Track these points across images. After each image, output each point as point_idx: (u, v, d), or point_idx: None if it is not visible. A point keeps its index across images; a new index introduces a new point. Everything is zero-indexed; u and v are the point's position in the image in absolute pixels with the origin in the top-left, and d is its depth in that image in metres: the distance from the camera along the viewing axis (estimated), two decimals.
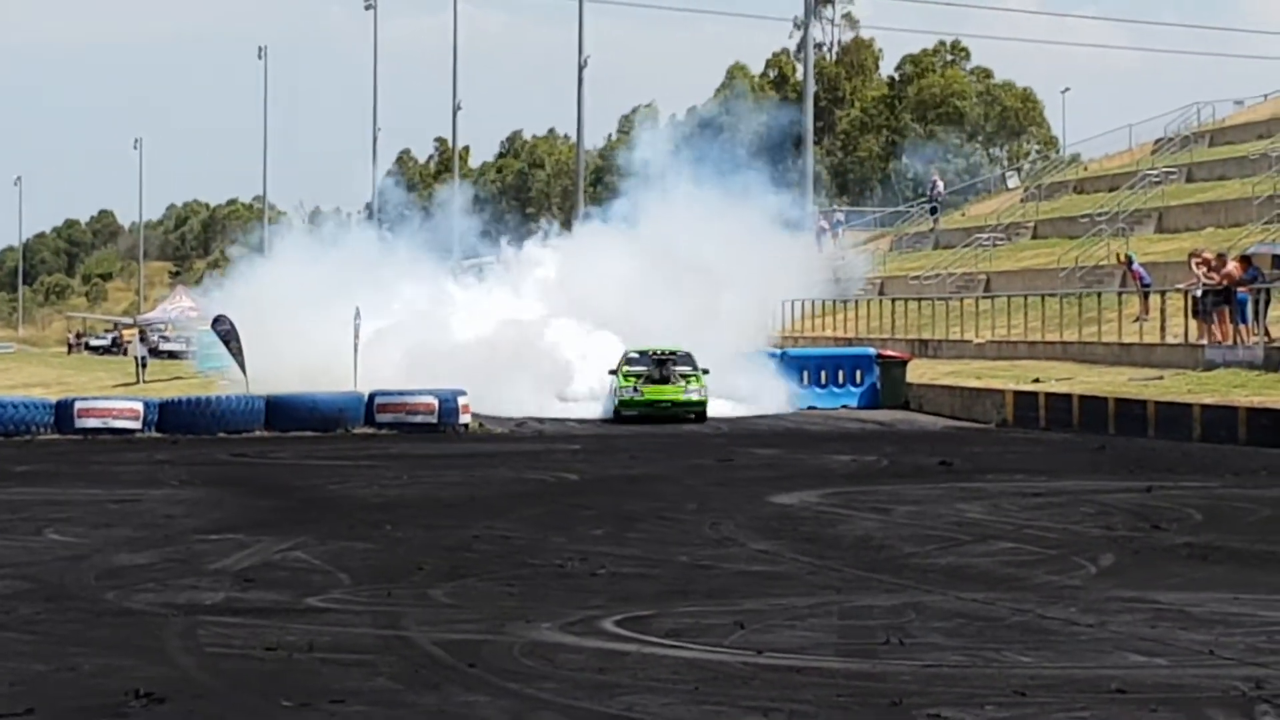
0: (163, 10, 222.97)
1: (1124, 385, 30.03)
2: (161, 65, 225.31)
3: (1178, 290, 33.45)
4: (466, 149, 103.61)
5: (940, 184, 60.58)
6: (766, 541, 14.77)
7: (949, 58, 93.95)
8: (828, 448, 25.56)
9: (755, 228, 40.45)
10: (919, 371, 36.40)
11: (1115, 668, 9.34)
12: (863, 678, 9.11)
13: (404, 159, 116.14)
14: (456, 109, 75.16)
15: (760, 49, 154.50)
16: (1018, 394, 31.07)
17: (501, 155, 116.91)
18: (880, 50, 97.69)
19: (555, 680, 9.07)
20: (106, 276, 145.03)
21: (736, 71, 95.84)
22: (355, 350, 33.56)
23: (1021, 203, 58.08)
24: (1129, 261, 37.10)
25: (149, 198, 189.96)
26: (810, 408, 35.13)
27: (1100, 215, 47.25)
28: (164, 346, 65.33)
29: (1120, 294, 36.90)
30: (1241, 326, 30.66)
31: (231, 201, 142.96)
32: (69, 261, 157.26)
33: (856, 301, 46.23)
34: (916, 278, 48.80)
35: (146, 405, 30.12)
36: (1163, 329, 33.55)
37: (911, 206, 64.19)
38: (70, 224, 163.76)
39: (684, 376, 32.50)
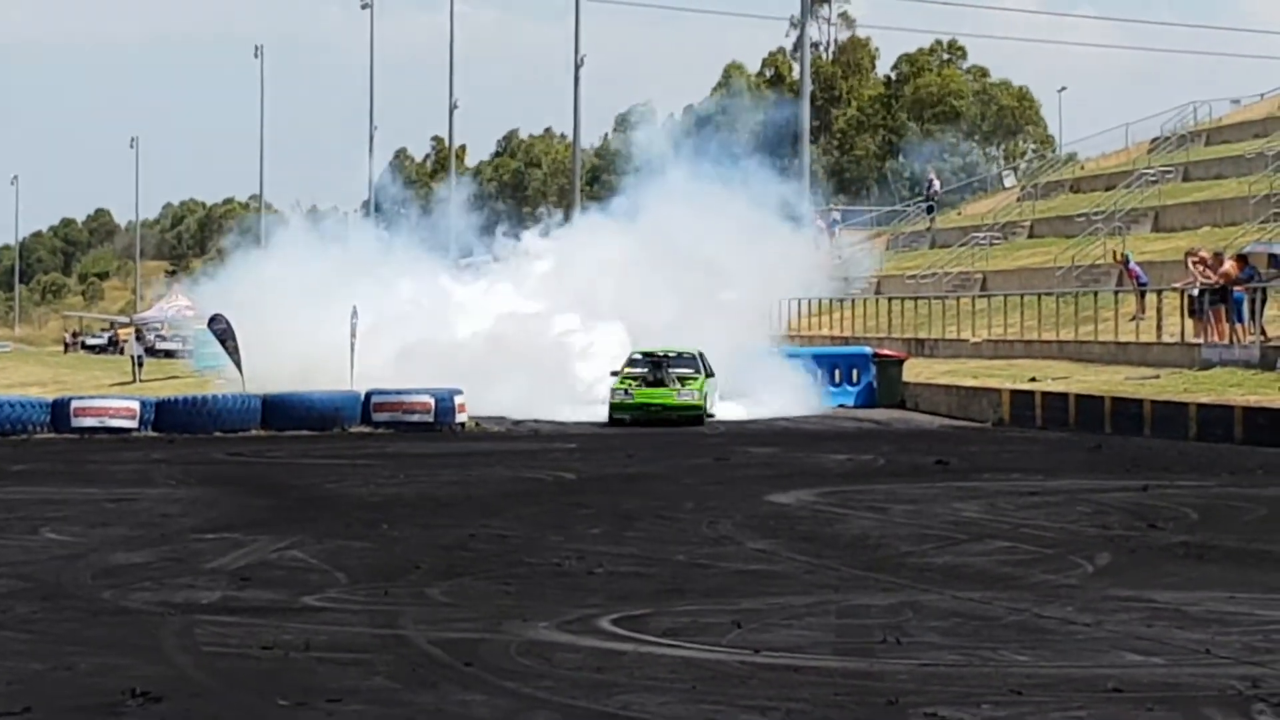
0: (160, 9, 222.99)
1: (1120, 384, 30.05)
2: (158, 64, 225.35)
3: (1174, 289, 33.48)
4: (463, 148, 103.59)
5: (937, 183, 60.59)
6: (763, 540, 14.77)
7: (945, 57, 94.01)
8: (824, 447, 25.57)
9: (757, 223, 39.99)
10: (915, 371, 36.41)
11: (1112, 667, 9.35)
12: (860, 676, 9.11)
13: (401, 158, 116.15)
14: (453, 108, 75.13)
15: (757, 48, 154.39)
16: (1014, 393, 31.08)
17: (498, 154, 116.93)
18: (877, 49, 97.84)
19: (552, 679, 9.07)
20: (103, 275, 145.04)
21: (733, 70, 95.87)
22: (352, 349, 33.54)
23: (1018, 202, 58.09)
24: (1125, 261, 37.12)
25: (146, 197, 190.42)
26: (841, 406, 35.00)
27: (1097, 214, 47.27)
28: (160, 345, 65.30)
29: (1117, 293, 36.93)
30: (1238, 325, 30.69)
31: (228, 201, 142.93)
32: (65, 260, 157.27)
33: (853, 300, 46.22)
34: (913, 277, 48.80)
35: (143, 404, 30.11)
36: (1159, 328, 33.57)
37: (908, 205, 64.19)
38: (67, 223, 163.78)
39: (682, 379, 32.11)
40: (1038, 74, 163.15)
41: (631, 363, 32.94)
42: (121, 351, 68.35)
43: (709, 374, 33.00)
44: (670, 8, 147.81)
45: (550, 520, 16.29)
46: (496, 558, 13.77)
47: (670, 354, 32.97)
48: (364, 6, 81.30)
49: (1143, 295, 35.29)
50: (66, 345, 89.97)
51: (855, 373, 36.14)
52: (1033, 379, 32.36)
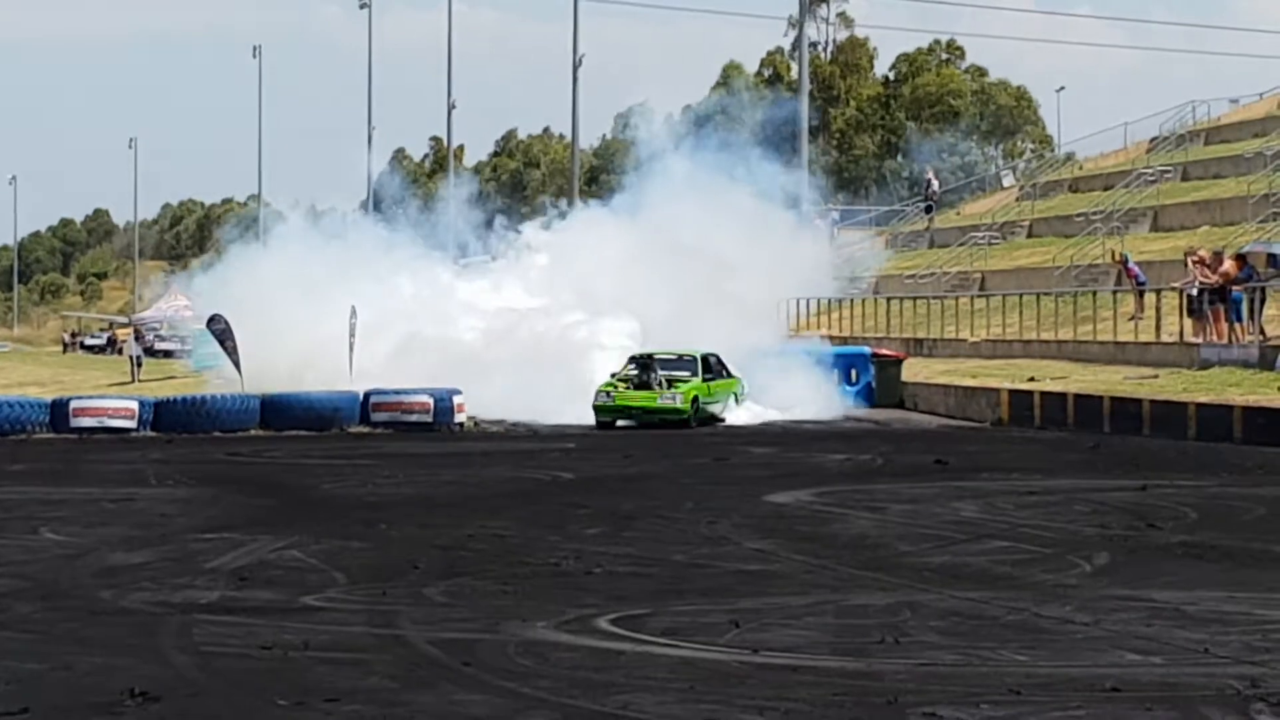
0: (158, 9, 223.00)
1: (1119, 384, 30.05)
2: (157, 64, 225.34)
3: (1173, 289, 33.48)
4: (461, 148, 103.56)
5: (935, 182, 60.55)
6: (762, 540, 14.77)
7: (944, 57, 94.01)
8: (823, 446, 25.57)
9: (762, 219, 39.50)
10: (914, 370, 36.39)
11: (1110, 666, 9.35)
12: (858, 676, 9.11)
13: (399, 158, 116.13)
14: (451, 108, 75.08)
15: (755, 48, 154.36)
16: (1013, 393, 31.08)
17: (496, 154, 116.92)
18: (875, 49, 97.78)
19: (550, 679, 9.07)
20: (102, 275, 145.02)
21: (732, 70, 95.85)
22: (351, 349, 33.53)
23: (1017, 202, 58.07)
24: (1124, 260, 37.12)
25: (144, 197, 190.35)
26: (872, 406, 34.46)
27: (1095, 214, 47.26)
28: (159, 346, 65.28)
29: (1115, 293, 36.92)
30: (1236, 325, 30.69)
31: (226, 200, 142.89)
32: (64, 261, 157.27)
33: (852, 300, 46.20)
34: (912, 276, 48.78)
35: (142, 404, 30.11)
36: (1158, 328, 33.57)
37: (907, 205, 64.18)
38: (65, 223, 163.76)
39: (671, 382, 31.29)
40: (1036, 74, 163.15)
41: (629, 364, 32.54)
42: (120, 352, 68.33)
43: (723, 376, 32.46)
44: (668, 7, 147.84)
45: (549, 520, 16.29)
46: (495, 558, 13.77)
47: (671, 356, 32.41)
48: (362, 6, 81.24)
49: (1141, 295, 35.28)
50: (65, 345, 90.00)
51: (854, 373, 36.08)
52: (1031, 379, 32.36)
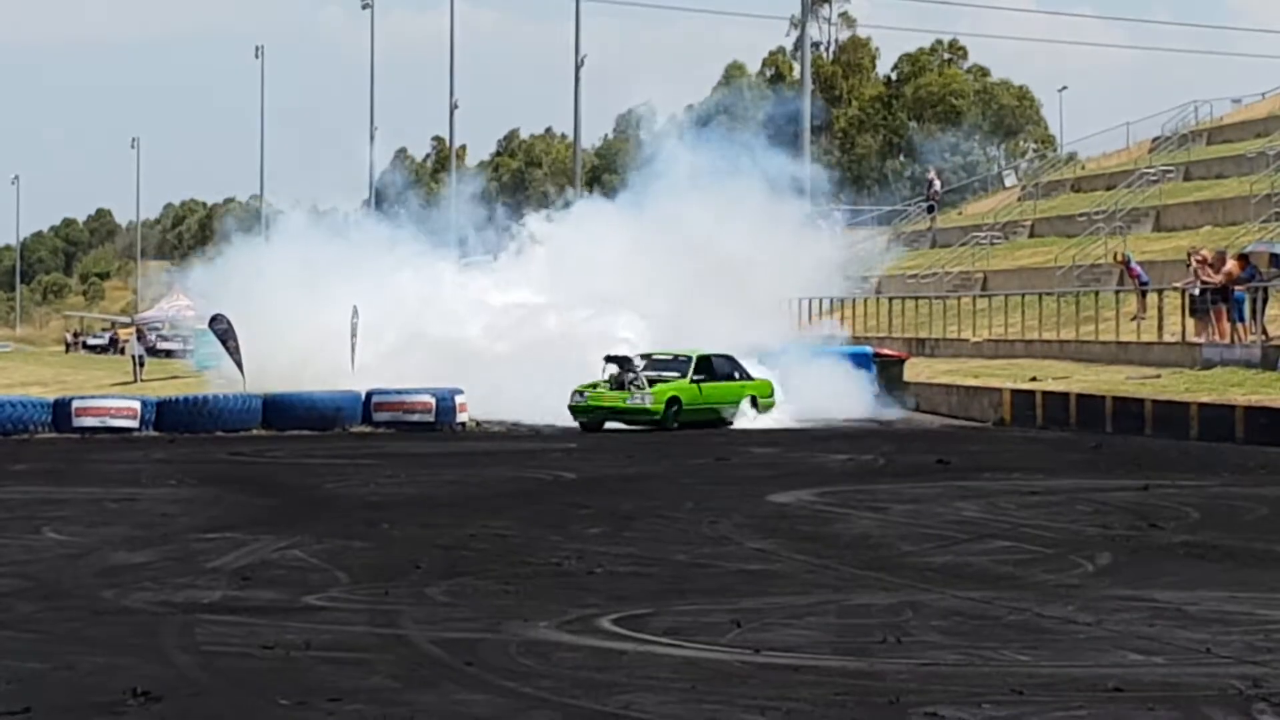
0: (160, 9, 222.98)
1: (1121, 384, 30.05)
2: (159, 64, 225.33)
3: (1175, 289, 33.48)
4: (463, 148, 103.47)
5: (937, 182, 60.53)
6: (764, 540, 14.77)
7: (946, 56, 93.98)
8: (825, 446, 25.56)
9: (769, 214, 39.12)
10: (916, 370, 36.37)
11: (1113, 666, 9.34)
12: (860, 676, 9.11)
13: (401, 157, 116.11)
14: (453, 108, 75.05)
15: (757, 49, 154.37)
16: (1015, 392, 31.08)
17: (498, 154, 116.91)
18: (877, 49, 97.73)
19: (552, 679, 9.07)
20: (104, 275, 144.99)
21: (734, 70, 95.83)
22: (353, 348, 33.53)
23: (1019, 201, 58.07)
24: (1126, 260, 37.11)
25: (146, 197, 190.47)
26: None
27: (1098, 214, 47.25)
28: (161, 345, 65.31)
29: (1118, 293, 36.92)
30: (1239, 325, 30.68)
31: (229, 200, 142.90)
32: (66, 260, 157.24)
33: (854, 300, 46.17)
34: (914, 276, 48.77)
35: (144, 404, 30.13)
36: (1160, 328, 33.57)
37: (909, 205, 64.16)
38: (68, 223, 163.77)
39: (656, 381, 30.51)
40: (1038, 73, 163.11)
41: (606, 362, 31.30)
42: (122, 351, 68.32)
43: (733, 378, 31.46)
44: (670, 7, 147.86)
45: (551, 520, 16.29)
46: (497, 557, 13.77)
47: (667, 356, 31.78)
48: (364, 6, 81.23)
49: (1144, 295, 35.29)
50: (68, 345, 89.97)
51: None
52: (1033, 378, 32.36)
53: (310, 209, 43.80)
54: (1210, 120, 58.43)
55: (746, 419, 31.25)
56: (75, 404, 29.92)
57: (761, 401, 31.90)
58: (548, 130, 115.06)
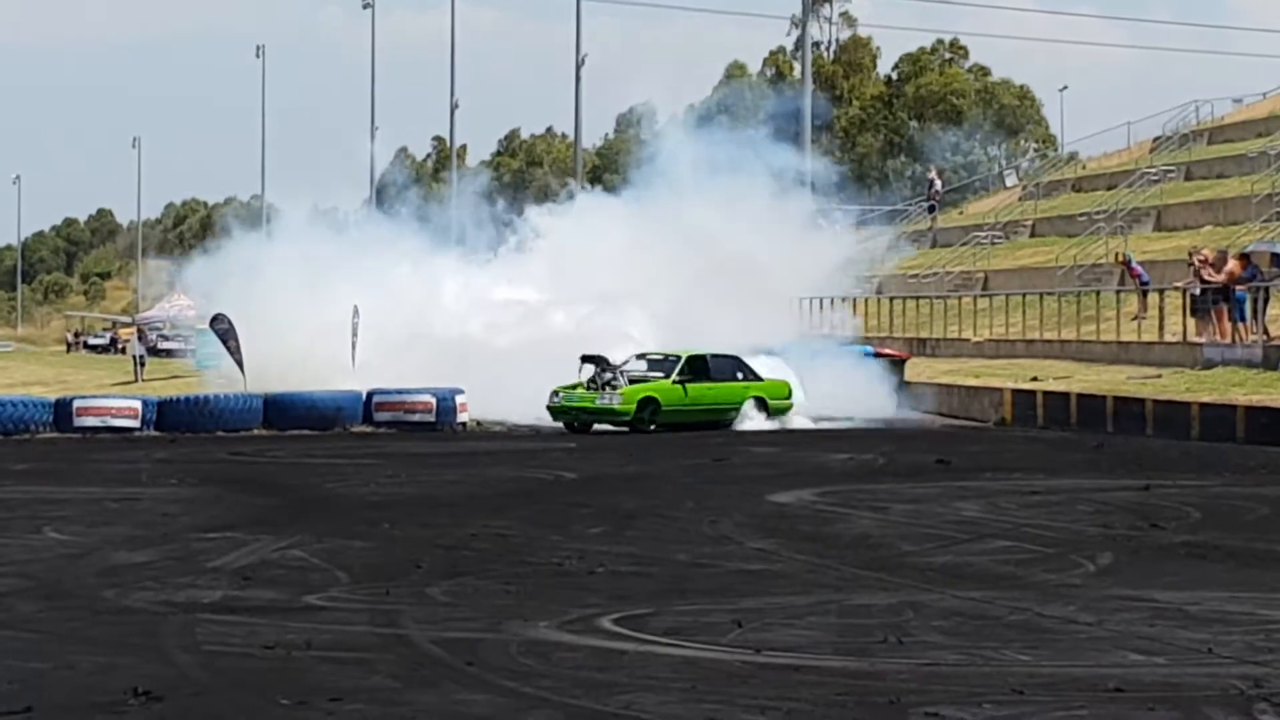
0: (161, 9, 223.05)
1: (1122, 384, 30.04)
2: (160, 64, 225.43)
3: (1176, 289, 33.48)
4: (464, 147, 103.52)
5: (938, 182, 60.52)
6: (764, 540, 14.77)
7: (947, 56, 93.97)
8: (825, 446, 25.56)
9: (777, 210, 38.88)
10: (917, 370, 36.37)
11: (1113, 666, 9.34)
12: (861, 676, 9.11)
13: (402, 157, 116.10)
14: (454, 107, 75.07)
15: (758, 48, 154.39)
16: (1016, 392, 31.08)
17: (499, 154, 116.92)
18: (878, 49, 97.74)
19: (553, 678, 9.07)
20: (105, 275, 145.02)
21: (735, 70, 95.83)
22: (353, 348, 33.52)
23: (1020, 201, 58.07)
24: (1127, 260, 37.11)
25: (147, 196, 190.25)
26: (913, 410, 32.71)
27: (1099, 213, 47.24)
28: (162, 345, 65.33)
29: (1119, 292, 36.92)
30: (1240, 325, 30.68)
31: (229, 200, 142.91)
32: (68, 260, 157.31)
33: (855, 299, 46.14)
34: (914, 276, 48.75)
35: (145, 404, 30.14)
36: (1161, 327, 33.57)
37: (909, 205, 64.13)
38: (69, 223, 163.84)
39: (636, 381, 29.86)
40: (1039, 73, 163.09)
41: (582, 362, 30.59)
42: (123, 351, 68.35)
43: (735, 379, 30.33)
44: (671, 7, 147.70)
45: (551, 520, 16.29)
46: (498, 557, 13.77)
47: (658, 356, 31.10)
48: (365, 6, 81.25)
49: (1145, 295, 35.29)
50: (69, 345, 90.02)
51: None
52: (1034, 378, 32.35)
53: (311, 208, 43.61)
54: (1211, 120, 58.43)
55: (751, 422, 30.09)
56: (76, 404, 29.93)
57: (773, 404, 30.67)
58: (548, 130, 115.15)
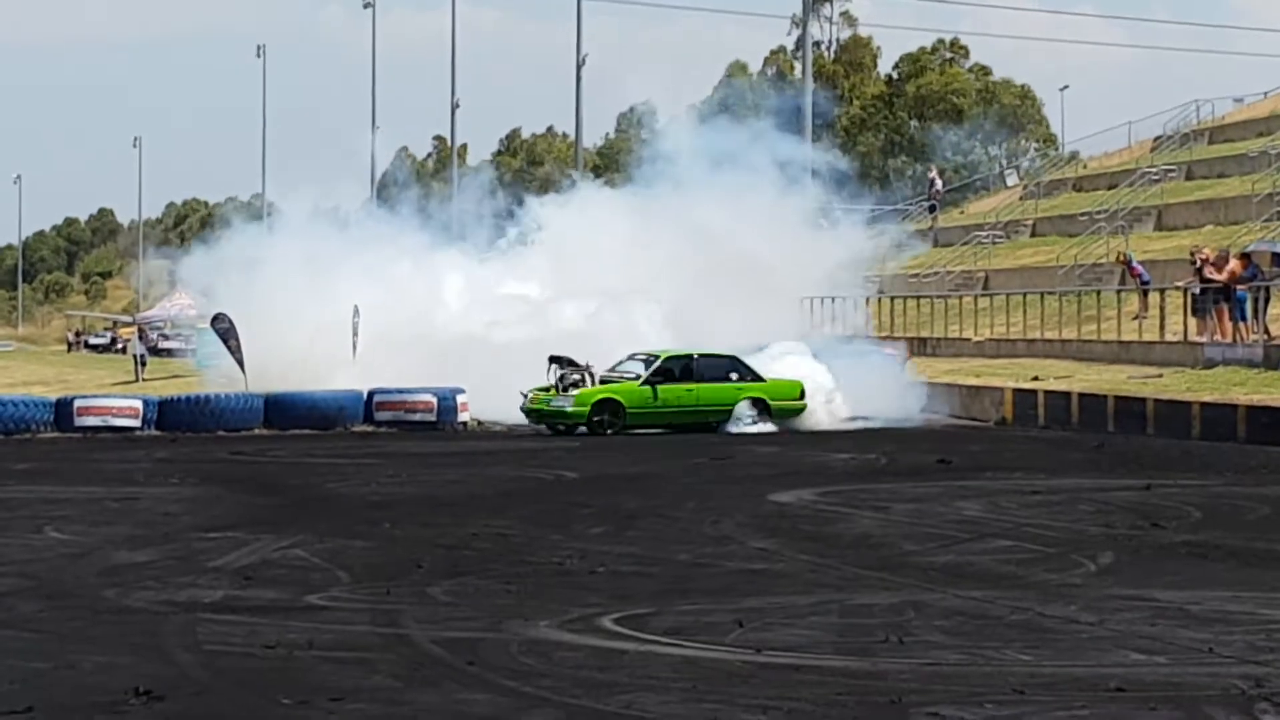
0: (162, 9, 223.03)
1: (1123, 383, 30.03)
2: (161, 64, 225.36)
3: (1177, 288, 33.47)
4: (464, 147, 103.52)
5: (939, 181, 60.50)
6: (765, 540, 14.77)
7: (947, 56, 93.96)
8: (826, 445, 25.55)
9: (777, 210, 38.56)
10: (918, 370, 36.32)
11: (1115, 666, 9.34)
12: (862, 676, 9.10)
13: (403, 156, 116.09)
14: (455, 107, 75.05)
15: (758, 48, 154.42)
16: (1017, 392, 31.05)
17: (499, 153, 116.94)
18: (879, 48, 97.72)
19: (554, 678, 9.07)
20: (106, 275, 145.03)
21: (736, 70, 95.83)
22: (354, 347, 33.52)
23: (1020, 200, 58.05)
24: (1128, 259, 37.10)
25: (148, 196, 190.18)
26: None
27: (1099, 213, 47.21)
28: (163, 345, 65.31)
29: (1119, 292, 36.90)
30: (1241, 324, 30.67)
31: (230, 199, 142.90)
32: (68, 260, 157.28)
33: (855, 299, 46.06)
34: (915, 275, 48.73)
35: (146, 403, 30.13)
36: (1162, 327, 33.55)
37: (910, 204, 64.11)
38: (70, 222, 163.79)
39: (608, 381, 29.04)
40: (1040, 72, 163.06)
41: (549, 363, 29.90)
42: (124, 351, 68.36)
43: (726, 380, 29.05)
44: (671, 6, 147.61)
45: (552, 519, 16.29)
46: (498, 557, 13.78)
47: (644, 355, 30.05)
48: (366, 5, 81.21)
49: (1145, 294, 35.29)
50: (69, 344, 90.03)
51: None
52: (1035, 378, 32.34)
53: (312, 208, 43.53)
54: (1212, 119, 58.40)
55: (744, 425, 28.81)
56: (77, 403, 29.92)
57: (777, 405, 29.24)
58: (549, 129, 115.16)
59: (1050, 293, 38.33)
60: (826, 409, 30.21)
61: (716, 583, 12.41)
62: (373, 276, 35.81)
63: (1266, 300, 30.41)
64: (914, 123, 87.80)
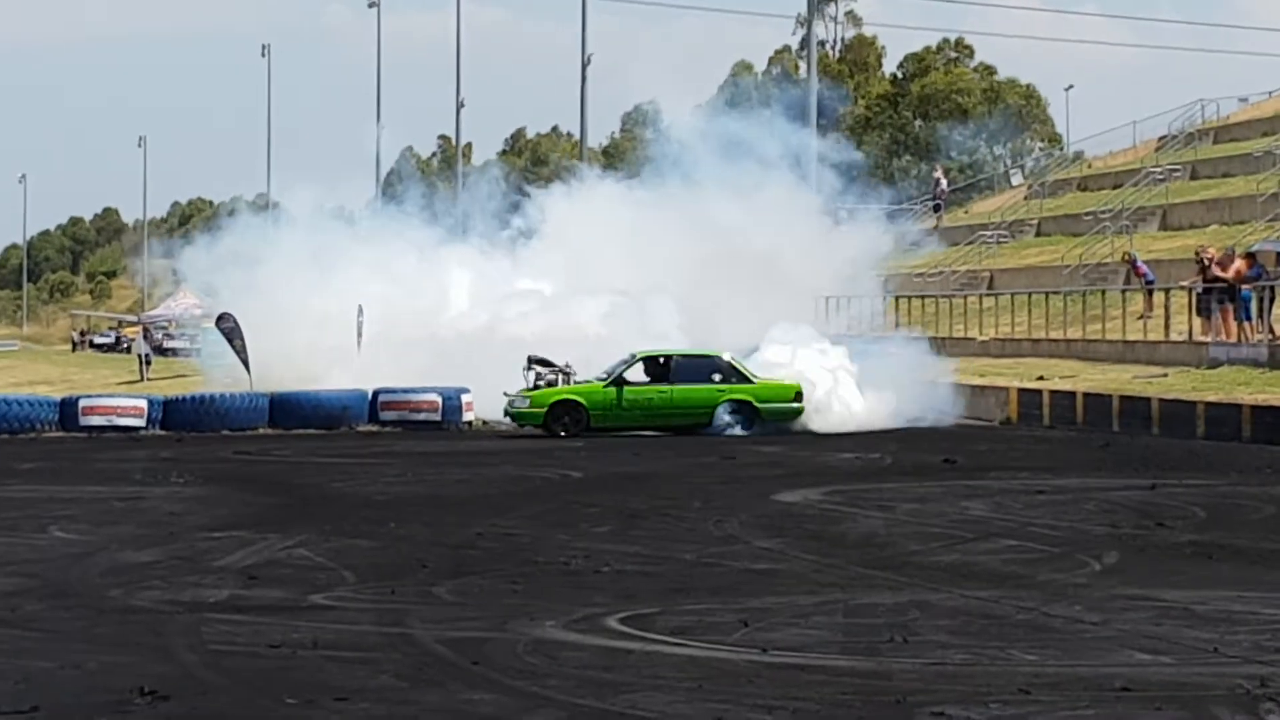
0: (167, 8, 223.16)
1: (1128, 383, 30.01)
2: (165, 63, 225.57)
3: (1182, 288, 33.44)
4: (469, 146, 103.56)
5: (944, 181, 60.47)
6: (770, 539, 14.76)
7: (952, 55, 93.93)
8: (831, 445, 25.54)
9: (791, 205, 38.30)
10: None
11: (1120, 666, 9.33)
12: (867, 676, 9.10)
13: (408, 155, 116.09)
14: (460, 106, 75.05)
15: (763, 47, 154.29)
16: (1022, 391, 31.03)
17: (504, 152, 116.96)
18: (883, 48, 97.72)
19: (559, 678, 9.07)
20: (111, 274, 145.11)
21: (741, 70, 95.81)
22: (358, 347, 33.53)
23: (1025, 200, 58.01)
24: (1133, 259, 37.08)
25: (153, 195, 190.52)
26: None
27: (1104, 213, 47.17)
28: (168, 344, 65.37)
29: (1124, 291, 36.87)
30: (1245, 324, 30.65)
31: (235, 199, 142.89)
32: (73, 259, 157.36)
33: (857, 298, 46.00)
34: (920, 275, 48.71)
35: (151, 403, 30.16)
36: (1167, 326, 33.53)
37: (915, 204, 64.08)
38: (75, 221, 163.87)
39: (577, 382, 28.49)
40: (1045, 72, 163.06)
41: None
42: (128, 350, 68.41)
43: (710, 381, 27.89)
44: (676, 5, 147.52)
45: (557, 519, 16.30)
46: (504, 556, 13.77)
47: (626, 357, 29.08)
48: (371, 5, 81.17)
49: (1150, 294, 35.27)
50: (74, 344, 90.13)
51: None
52: (1040, 377, 32.32)
53: (316, 207, 43.54)
54: (1217, 119, 58.37)
55: (723, 427, 27.69)
56: (82, 403, 29.96)
57: (766, 408, 28.01)
58: (554, 129, 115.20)
59: (1055, 292, 38.31)
60: (841, 400, 28.73)
61: (722, 582, 12.40)
62: (378, 272, 35.76)
63: (1271, 300, 30.38)
64: (919, 122, 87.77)
